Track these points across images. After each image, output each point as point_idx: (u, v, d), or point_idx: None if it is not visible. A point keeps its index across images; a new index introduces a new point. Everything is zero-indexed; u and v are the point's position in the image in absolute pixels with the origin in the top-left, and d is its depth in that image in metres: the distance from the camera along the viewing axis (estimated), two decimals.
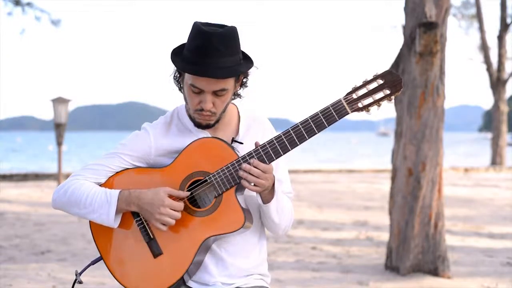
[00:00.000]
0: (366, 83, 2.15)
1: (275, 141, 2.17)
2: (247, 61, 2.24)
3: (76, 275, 2.31)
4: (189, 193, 2.20)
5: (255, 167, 2.14)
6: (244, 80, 2.30)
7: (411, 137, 5.74)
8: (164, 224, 2.18)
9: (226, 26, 2.17)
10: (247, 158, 2.17)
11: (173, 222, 2.17)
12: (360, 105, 2.14)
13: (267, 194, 2.22)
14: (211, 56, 2.12)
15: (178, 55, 2.21)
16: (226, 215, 2.17)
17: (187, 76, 2.19)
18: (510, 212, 10.24)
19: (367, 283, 5.42)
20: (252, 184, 2.15)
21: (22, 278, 5.38)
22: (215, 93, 2.18)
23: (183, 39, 2.25)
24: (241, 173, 2.15)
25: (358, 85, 2.15)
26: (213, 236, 2.18)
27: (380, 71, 2.14)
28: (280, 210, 2.27)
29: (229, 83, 2.19)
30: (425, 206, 5.70)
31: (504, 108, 23.32)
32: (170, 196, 2.19)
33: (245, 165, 2.14)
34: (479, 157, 37.45)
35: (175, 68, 2.27)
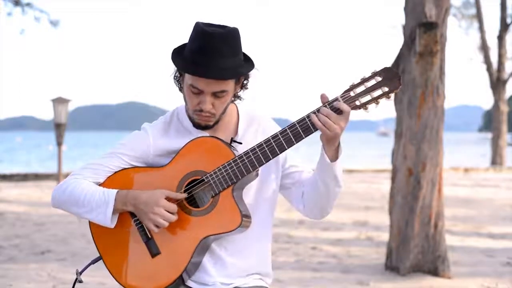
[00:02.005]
0: (364, 80, 2.08)
1: (270, 141, 2.14)
2: (248, 63, 2.22)
3: (76, 274, 2.31)
4: (186, 194, 2.19)
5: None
6: (245, 82, 2.28)
7: (411, 137, 5.74)
8: (157, 226, 2.16)
9: (228, 27, 2.16)
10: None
11: (166, 224, 2.15)
12: (357, 103, 2.07)
13: (334, 150, 2.16)
14: (212, 57, 2.10)
15: (179, 55, 2.20)
16: (223, 215, 2.16)
17: (187, 76, 2.18)
18: (510, 212, 10.24)
19: (367, 283, 5.42)
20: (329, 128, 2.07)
21: (22, 278, 5.39)
22: (215, 94, 2.16)
23: (184, 39, 2.24)
24: (322, 117, 2.06)
25: (355, 82, 2.08)
26: (210, 235, 2.17)
27: (378, 68, 2.07)
28: (341, 173, 2.20)
29: (229, 85, 2.17)
30: (425, 206, 5.70)
31: (504, 108, 23.33)
32: (168, 198, 2.18)
33: (320, 115, 2.07)
34: (479, 157, 37.40)
35: (176, 68, 2.26)
